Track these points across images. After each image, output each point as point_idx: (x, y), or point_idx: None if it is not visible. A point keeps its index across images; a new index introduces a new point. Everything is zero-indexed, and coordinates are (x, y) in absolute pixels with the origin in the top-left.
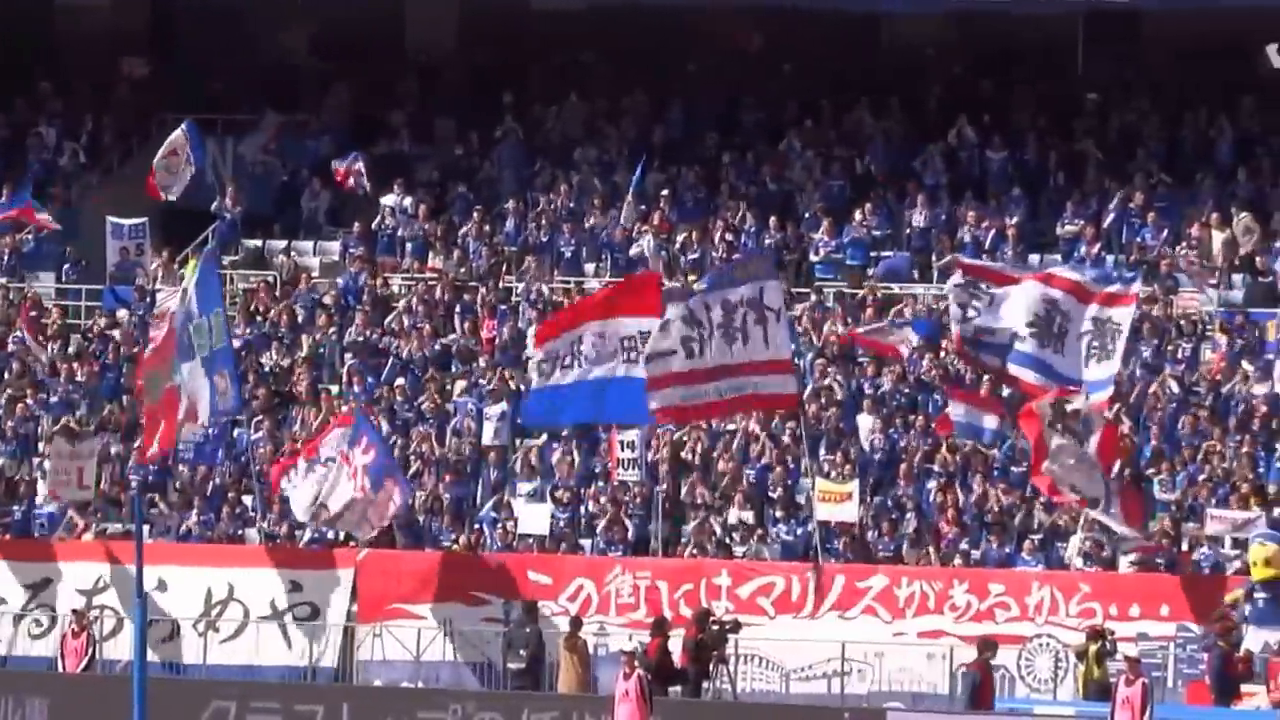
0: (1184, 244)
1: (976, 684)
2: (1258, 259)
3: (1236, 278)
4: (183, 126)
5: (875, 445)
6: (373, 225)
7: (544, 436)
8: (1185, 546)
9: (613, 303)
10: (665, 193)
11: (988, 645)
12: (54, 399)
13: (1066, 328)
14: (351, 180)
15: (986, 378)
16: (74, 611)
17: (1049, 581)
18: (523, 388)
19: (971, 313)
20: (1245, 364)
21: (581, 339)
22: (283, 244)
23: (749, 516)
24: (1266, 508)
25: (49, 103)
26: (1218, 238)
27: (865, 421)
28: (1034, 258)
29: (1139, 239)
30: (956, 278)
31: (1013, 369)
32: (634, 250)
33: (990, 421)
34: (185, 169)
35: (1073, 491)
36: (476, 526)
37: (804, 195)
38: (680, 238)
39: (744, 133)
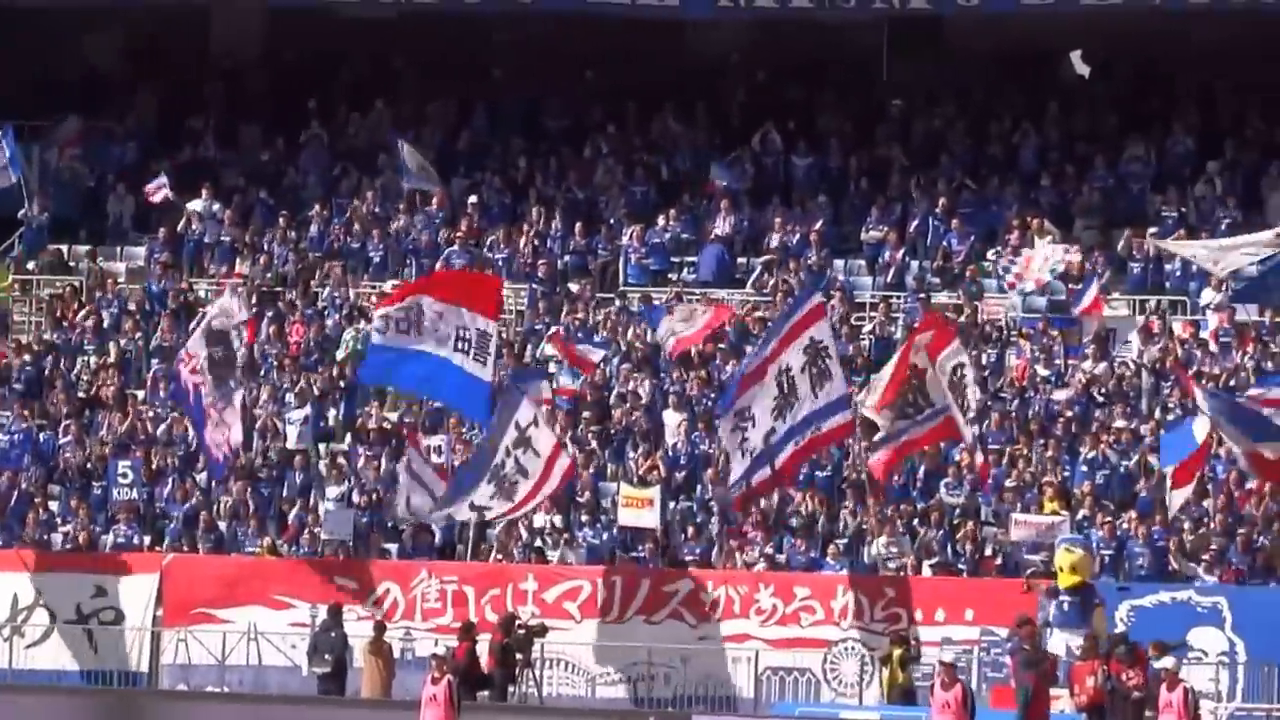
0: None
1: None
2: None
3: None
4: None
5: (680, 449)
6: (179, 230)
7: (349, 440)
8: (989, 551)
9: (453, 288)
10: (472, 200)
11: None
12: None
13: (791, 381)
14: (159, 198)
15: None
16: None
17: (854, 585)
18: (332, 392)
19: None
20: (1046, 369)
21: (421, 310)
22: (88, 249)
23: (556, 520)
24: (1070, 512)
25: None
26: (1039, 244)
27: (671, 424)
28: (838, 263)
29: (943, 244)
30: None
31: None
32: None
33: None
34: (3, 176)
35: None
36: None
37: (609, 201)
38: (489, 241)
39: (549, 138)
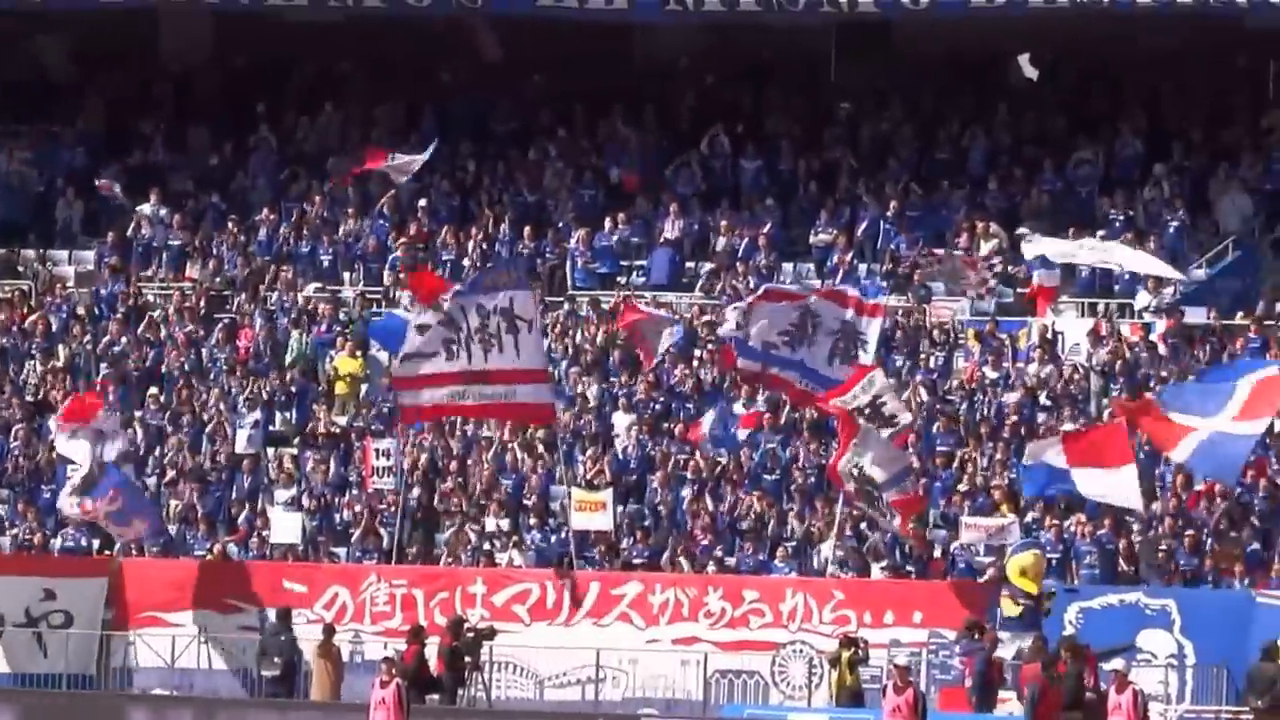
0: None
1: (1035, 696)
2: (1009, 268)
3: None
4: None
5: (629, 453)
6: (128, 234)
7: (298, 444)
8: (938, 553)
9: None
10: (421, 203)
11: (1063, 654)
12: None
13: (817, 324)
14: (110, 191)
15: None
16: None
17: (803, 588)
18: (282, 396)
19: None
20: (995, 371)
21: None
22: (37, 253)
23: (505, 524)
24: (1019, 515)
25: None
26: (985, 247)
27: (620, 429)
28: (787, 266)
29: (892, 247)
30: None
31: (775, 372)
32: None
33: (741, 433)
34: None
35: (864, 475)
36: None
37: (557, 204)
38: (437, 244)
39: (497, 142)
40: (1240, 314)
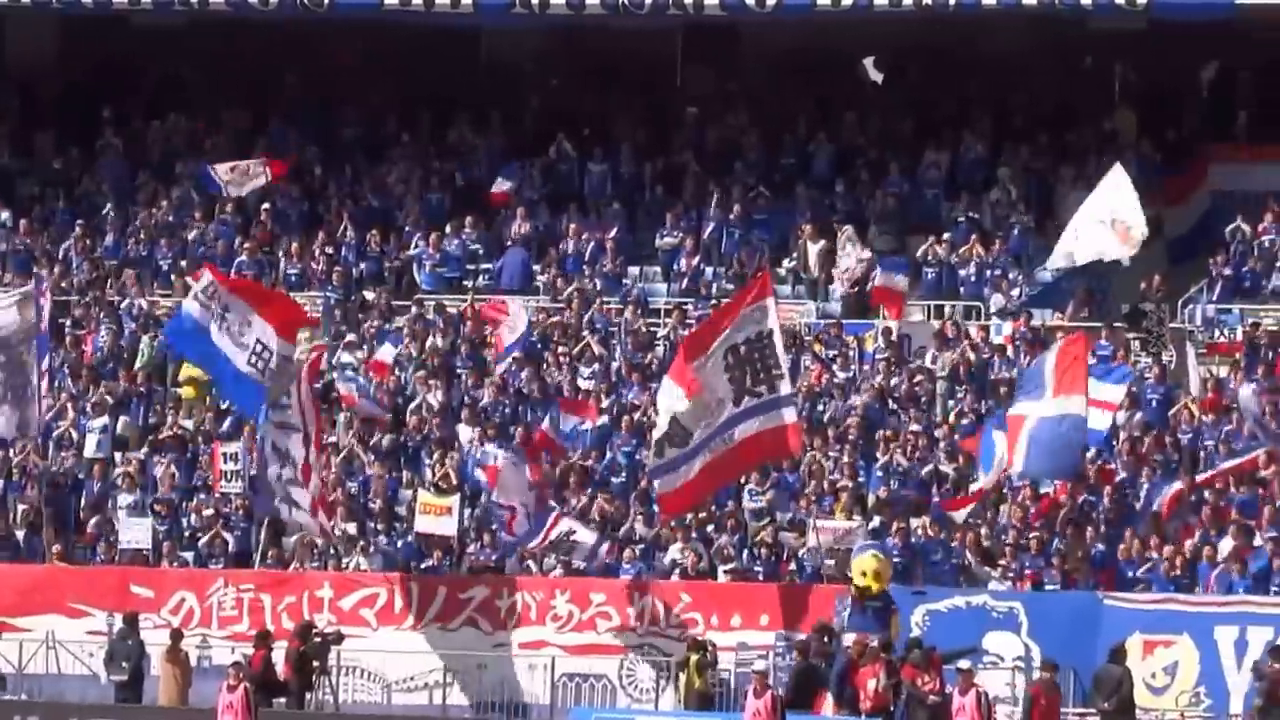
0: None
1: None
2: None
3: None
4: None
5: (475, 456)
6: None
7: (145, 449)
8: (786, 556)
9: (267, 302)
10: (265, 206)
11: (1046, 665)
12: None
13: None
14: None
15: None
16: None
17: (650, 591)
18: (129, 401)
19: None
20: (842, 374)
21: (229, 307)
22: None
23: (351, 528)
24: (866, 518)
25: None
26: (813, 249)
27: (465, 433)
28: (633, 269)
29: (738, 252)
30: None
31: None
32: None
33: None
34: None
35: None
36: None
37: (404, 209)
38: (283, 249)
39: (344, 146)
40: (1083, 315)
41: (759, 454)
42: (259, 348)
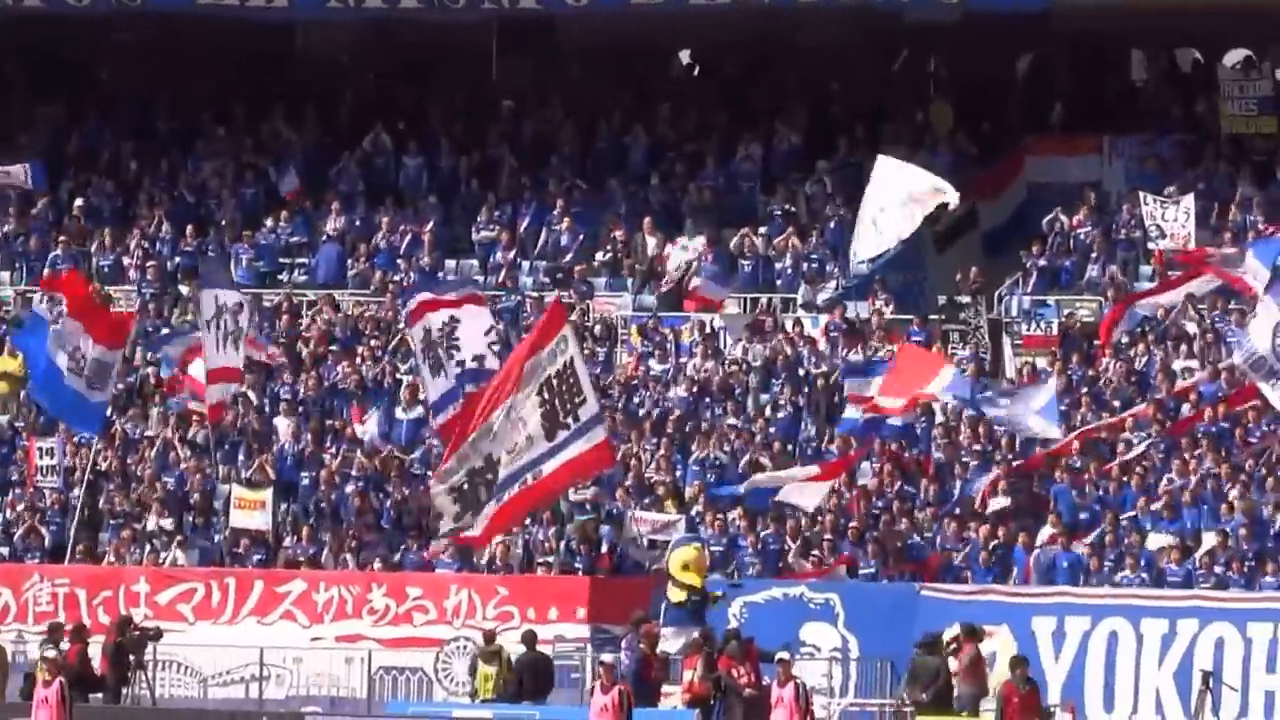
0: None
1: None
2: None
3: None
4: None
5: (290, 451)
6: None
7: None
8: (605, 549)
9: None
10: (79, 202)
11: (1017, 662)
12: None
13: None
14: None
15: (406, 384)
16: None
17: (467, 584)
18: None
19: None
20: (658, 366)
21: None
22: None
23: (168, 523)
24: (684, 510)
25: None
26: (650, 242)
27: (282, 427)
28: (450, 263)
29: (554, 244)
30: None
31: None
32: None
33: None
34: None
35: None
36: None
37: (219, 203)
38: (95, 244)
39: (159, 140)
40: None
41: (572, 475)
42: (76, 354)
